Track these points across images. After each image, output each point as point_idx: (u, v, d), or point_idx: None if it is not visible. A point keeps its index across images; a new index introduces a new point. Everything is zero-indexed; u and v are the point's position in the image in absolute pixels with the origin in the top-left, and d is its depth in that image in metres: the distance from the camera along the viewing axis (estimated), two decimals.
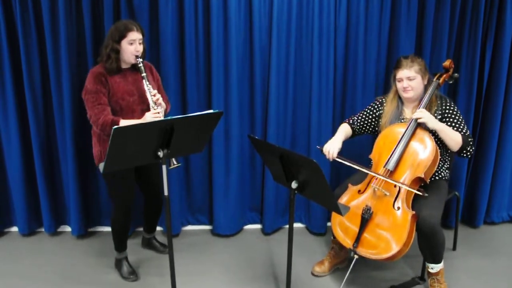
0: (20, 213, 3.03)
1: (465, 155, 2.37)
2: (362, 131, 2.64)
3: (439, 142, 2.38)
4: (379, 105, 2.60)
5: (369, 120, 2.61)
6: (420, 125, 2.35)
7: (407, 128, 2.35)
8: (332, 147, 2.42)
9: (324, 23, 2.84)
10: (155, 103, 2.31)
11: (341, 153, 2.43)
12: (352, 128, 2.62)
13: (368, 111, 2.62)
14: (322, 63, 2.90)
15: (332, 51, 2.90)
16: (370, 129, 2.63)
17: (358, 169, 2.34)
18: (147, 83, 2.32)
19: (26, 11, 2.71)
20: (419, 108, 2.36)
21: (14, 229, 3.15)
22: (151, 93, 2.32)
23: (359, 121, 2.62)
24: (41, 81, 2.85)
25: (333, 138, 2.51)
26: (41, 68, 2.83)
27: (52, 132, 2.96)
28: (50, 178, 3.02)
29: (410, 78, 2.38)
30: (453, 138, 2.32)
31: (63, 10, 2.67)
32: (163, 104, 2.41)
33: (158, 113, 2.27)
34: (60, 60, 2.76)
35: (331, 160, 2.42)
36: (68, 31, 2.72)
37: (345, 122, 2.66)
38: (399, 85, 2.45)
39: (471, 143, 2.35)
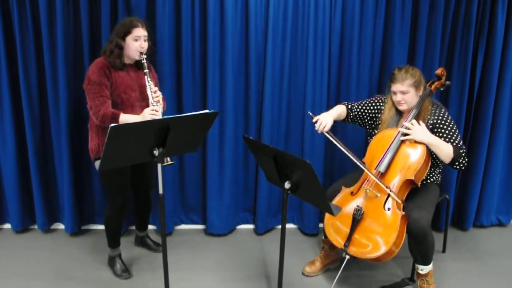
0: (13, 210, 3.03)
1: (457, 167, 2.34)
2: (356, 119, 2.62)
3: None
4: (380, 101, 2.60)
5: (368, 111, 2.59)
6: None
7: (397, 135, 2.38)
8: (325, 119, 2.38)
9: (319, 26, 2.87)
10: (154, 100, 2.33)
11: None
12: (348, 111, 2.59)
13: (369, 102, 2.61)
14: (316, 65, 2.93)
15: (327, 54, 2.93)
16: (365, 120, 2.61)
17: (344, 153, 2.32)
18: (149, 79, 2.35)
19: (24, 9, 2.72)
20: (408, 119, 2.39)
21: (7, 226, 3.15)
22: (152, 90, 2.34)
23: (358, 108, 2.60)
24: (37, 79, 2.85)
25: (327, 112, 2.48)
26: (37, 66, 2.83)
27: (47, 129, 2.96)
28: (43, 175, 3.02)
29: (403, 92, 2.40)
30: (444, 150, 2.30)
31: (60, 10, 2.68)
32: (161, 102, 2.44)
33: (157, 110, 2.29)
34: (56, 58, 2.77)
35: (319, 132, 2.38)
36: (65, 31, 2.73)
37: (343, 104, 2.63)
38: (394, 97, 2.47)
39: (463, 154, 2.33)
